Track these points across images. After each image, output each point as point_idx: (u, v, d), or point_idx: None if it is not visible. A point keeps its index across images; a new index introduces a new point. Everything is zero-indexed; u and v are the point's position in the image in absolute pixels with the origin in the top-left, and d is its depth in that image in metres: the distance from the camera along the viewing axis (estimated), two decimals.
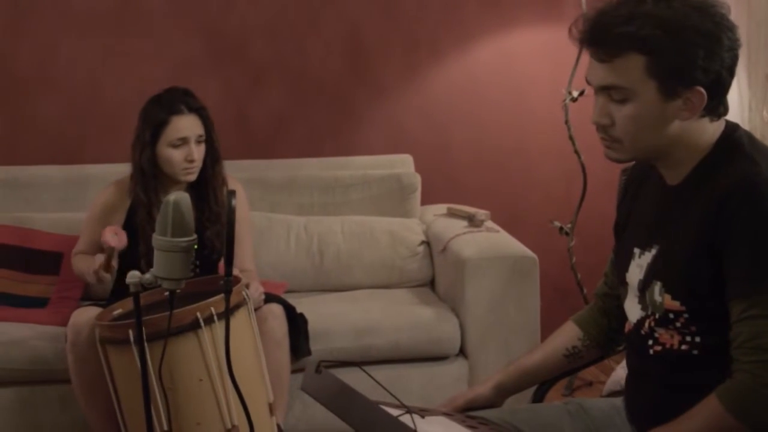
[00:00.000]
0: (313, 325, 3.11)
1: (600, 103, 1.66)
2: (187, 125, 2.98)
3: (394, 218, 3.70)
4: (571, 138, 3.74)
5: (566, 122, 3.73)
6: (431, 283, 3.63)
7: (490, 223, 3.55)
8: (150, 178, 3.01)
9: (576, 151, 3.74)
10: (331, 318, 3.21)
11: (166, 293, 2.73)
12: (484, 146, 4.15)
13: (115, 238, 2.79)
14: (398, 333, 3.17)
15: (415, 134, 4.08)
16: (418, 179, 3.80)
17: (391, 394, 1.65)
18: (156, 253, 1.75)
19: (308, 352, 3.06)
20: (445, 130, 4.11)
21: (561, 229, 3.83)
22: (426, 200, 3.91)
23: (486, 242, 3.33)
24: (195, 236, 1.76)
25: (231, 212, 1.71)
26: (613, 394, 2.65)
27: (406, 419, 1.48)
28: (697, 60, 1.57)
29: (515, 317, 3.21)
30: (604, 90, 1.65)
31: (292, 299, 3.14)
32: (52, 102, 3.85)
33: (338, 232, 3.61)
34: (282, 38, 3.96)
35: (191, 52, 3.91)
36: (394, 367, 3.19)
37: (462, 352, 3.24)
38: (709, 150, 1.65)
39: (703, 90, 1.59)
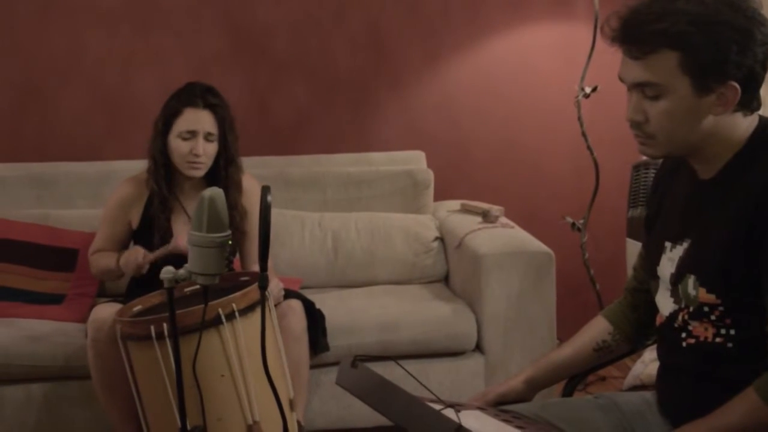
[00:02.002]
0: (332, 321, 3.11)
1: (634, 100, 1.67)
2: (198, 119, 2.98)
3: (407, 214, 3.71)
4: (584, 134, 3.75)
5: (579, 118, 3.74)
6: (445, 279, 3.64)
7: (504, 219, 3.56)
8: (161, 167, 3.02)
9: (589, 147, 3.75)
10: (352, 314, 3.22)
11: (186, 290, 2.80)
12: (496, 142, 4.17)
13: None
14: (416, 329, 3.18)
15: (429, 130, 4.10)
16: (431, 175, 3.81)
17: (428, 389, 1.66)
18: (191, 248, 1.77)
19: (326, 348, 3.07)
20: (459, 126, 4.13)
21: (573, 224, 3.84)
22: (438, 196, 3.92)
23: (502, 238, 3.33)
24: (229, 232, 1.77)
25: (267, 208, 1.72)
26: (632, 389, 2.67)
27: (446, 413, 1.48)
28: (730, 55, 1.58)
29: (532, 313, 3.22)
30: (637, 87, 1.66)
31: (307, 295, 3.14)
32: (76, 99, 3.87)
33: (352, 229, 3.62)
34: (304, 35, 3.98)
35: (214, 49, 3.93)
36: (410, 363, 3.19)
37: (478, 347, 3.25)
38: (743, 144, 1.66)
39: (736, 85, 1.60)
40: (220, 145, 3.03)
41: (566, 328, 3.44)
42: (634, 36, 1.63)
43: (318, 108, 4.04)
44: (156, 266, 2.90)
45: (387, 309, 3.27)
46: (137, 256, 2.90)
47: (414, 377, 1.73)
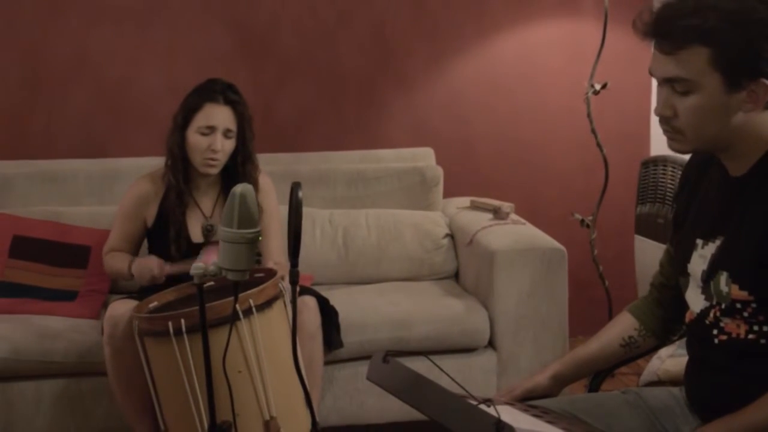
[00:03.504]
0: (344, 318, 3.12)
1: (663, 95, 1.67)
2: (218, 115, 2.98)
3: (417, 211, 3.72)
4: (593, 131, 3.76)
5: (588, 115, 3.75)
6: (455, 276, 3.64)
7: (515, 216, 3.57)
8: (178, 161, 3.02)
9: (598, 144, 3.76)
10: (363, 311, 3.22)
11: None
12: (504, 139, 4.17)
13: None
14: (429, 325, 3.19)
15: (437, 127, 4.10)
16: (440, 172, 3.81)
17: (460, 385, 1.66)
18: (221, 244, 1.77)
19: (340, 344, 3.08)
20: (466, 123, 4.13)
21: (582, 221, 3.85)
22: (446, 193, 3.92)
23: (514, 235, 3.34)
24: (259, 228, 1.77)
25: (298, 204, 1.73)
26: (649, 384, 2.68)
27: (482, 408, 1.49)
28: (763, 52, 1.58)
29: (544, 309, 3.23)
30: (667, 82, 1.66)
31: (319, 291, 3.15)
32: (83, 96, 3.86)
33: (363, 225, 3.63)
34: (309, 32, 3.98)
35: (220, 46, 3.92)
36: (423, 359, 3.19)
37: (491, 343, 3.26)
38: None
39: (767, 82, 1.60)
40: (238, 143, 3.03)
41: (575, 325, 3.45)
42: (666, 30, 1.63)
43: (324, 105, 4.03)
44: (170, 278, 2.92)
45: (399, 306, 3.27)
46: (152, 267, 2.88)
47: (446, 373, 1.73)
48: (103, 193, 3.58)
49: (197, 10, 3.90)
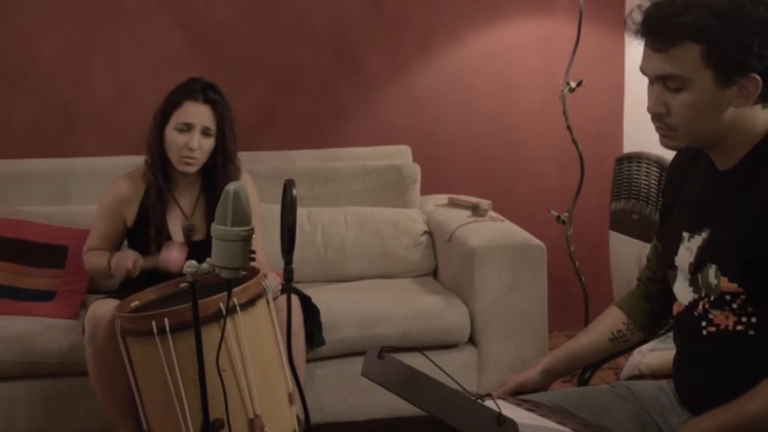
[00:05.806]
0: (324, 316, 3.12)
1: (655, 93, 1.70)
2: (196, 113, 2.97)
3: (396, 209, 3.72)
4: (569, 128, 3.78)
5: (564, 113, 3.77)
6: (434, 273, 3.66)
7: (493, 213, 3.59)
8: (157, 159, 3.01)
9: (574, 141, 3.79)
10: (341, 308, 3.22)
11: (181, 285, 2.79)
12: (475, 137, 4.18)
13: (179, 260, 2.89)
14: (408, 322, 3.20)
15: (405, 126, 4.09)
16: (417, 170, 3.82)
17: (454, 380, 1.67)
18: (214, 242, 1.77)
19: (322, 342, 3.08)
20: (437, 122, 4.13)
21: (558, 217, 3.88)
22: (422, 191, 3.92)
23: (492, 231, 3.36)
24: (252, 226, 1.78)
25: (293, 202, 1.73)
26: (630, 379, 2.70)
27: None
28: (753, 48, 1.61)
29: (523, 305, 3.25)
30: (659, 79, 1.69)
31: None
32: (34, 96, 3.80)
33: (341, 223, 3.63)
34: (265, 31, 3.94)
35: (174, 46, 3.88)
36: (402, 356, 3.19)
37: (471, 339, 3.28)
38: (763, 135, 1.69)
39: (758, 77, 1.63)
40: (218, 143, 3.01)
41: (552, 320, 3.48)
42: (657, 29, 1.65)
43: (284, 105, 3.98)
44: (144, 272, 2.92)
45: (379, 303, 3.28)
46: (127, 261, 2.88)
47: (443, 370, 1.75)
48: (59, 194, 3.55)
49: (150, 10, 3.85)
